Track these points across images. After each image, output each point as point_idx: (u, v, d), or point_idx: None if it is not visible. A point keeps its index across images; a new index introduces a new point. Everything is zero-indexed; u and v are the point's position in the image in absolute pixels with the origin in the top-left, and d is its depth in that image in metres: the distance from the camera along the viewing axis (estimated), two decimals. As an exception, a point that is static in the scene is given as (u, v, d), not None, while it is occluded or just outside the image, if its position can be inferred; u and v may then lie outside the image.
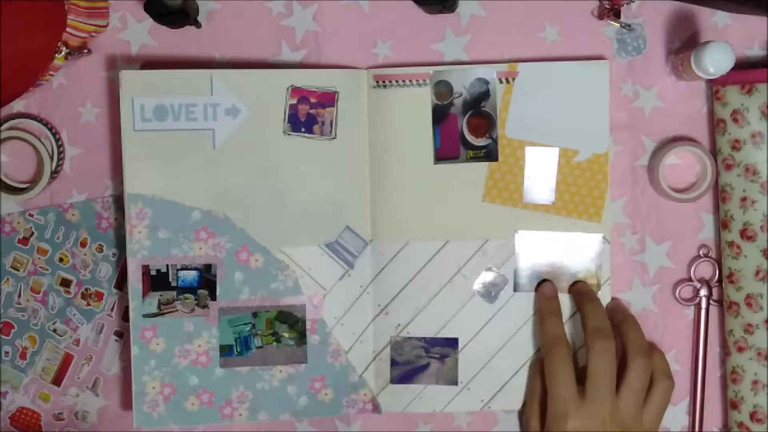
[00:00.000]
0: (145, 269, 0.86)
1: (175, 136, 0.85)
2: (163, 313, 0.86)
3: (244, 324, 0.86)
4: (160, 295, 0.86)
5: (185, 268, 0.86)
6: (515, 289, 0.87)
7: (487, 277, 0.86)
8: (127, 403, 0.88)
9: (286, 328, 0.86)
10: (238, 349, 0.86)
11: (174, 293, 0.86)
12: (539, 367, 0.85)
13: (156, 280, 0.86)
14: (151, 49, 0.88)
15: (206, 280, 0.86)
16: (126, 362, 0.87)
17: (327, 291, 0.87)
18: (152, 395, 0.86)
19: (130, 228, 0.85)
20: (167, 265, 0.86)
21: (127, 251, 0.85)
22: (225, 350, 0.86)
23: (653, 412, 0.82)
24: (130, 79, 0.85)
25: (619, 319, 0.84)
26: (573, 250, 0.86)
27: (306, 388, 0.87)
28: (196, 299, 0.86)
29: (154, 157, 0.85)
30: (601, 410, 0.79)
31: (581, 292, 0.85)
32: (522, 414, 0.88)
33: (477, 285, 0.87)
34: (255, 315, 0.86)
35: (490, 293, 0.86)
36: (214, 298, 0.86)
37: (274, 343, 0.86)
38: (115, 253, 0.88)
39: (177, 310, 0.86)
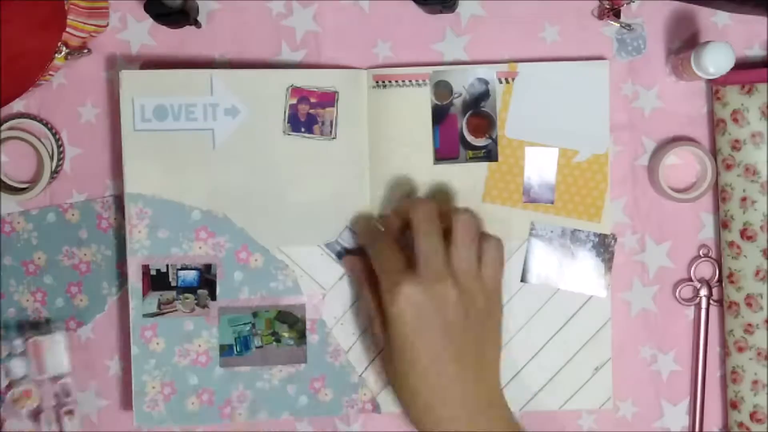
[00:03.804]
0: (145, 269, 0.86)
1: (174, 136, 0.85)
2: (163, 313, 0.86)
3: (244, 324, 0.86)
4: (160, 295, 0.86)
5: (185, 267, 0.86)
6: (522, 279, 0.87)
7: None
8: (127, 403, 0.88)
9: (285, 327, 0.86)
10: (238, 349, 0.86)
11: (174, 293, 0.86)
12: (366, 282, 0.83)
13: (156, 280, 0.86)
14: (151, 49, 0.88)
15: (206, 279, 0.86)
16: (126, 362, 0.87)
17: (327, 291, 0.87)
18: (152, 395, 0.86)
19: (130, 228, 0.85)
20: (167, 265, 0.86)
21: (128, 251, 0.85)
22: (225, 350, 0.86)
23: (490, 268, 0.79)
24: (130, 79, 0.85)
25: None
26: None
27: (306, 388, 0.87)
28: (196, 299, 0.86)
29: (154, 157, 0.85)
30: (435, 271, 0.76)
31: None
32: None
33: None
34: (255, 315, 0.86)
35: None
36: (214, 297, 0.86)
37: (274, 342, 0.86)
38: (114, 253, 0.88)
39: (177, 310, 0.86)
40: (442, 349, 0.76)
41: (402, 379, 0.78)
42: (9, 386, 0.87)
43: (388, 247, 0.81)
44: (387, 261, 0.80)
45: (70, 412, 0.87)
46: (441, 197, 0.86)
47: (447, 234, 0.79)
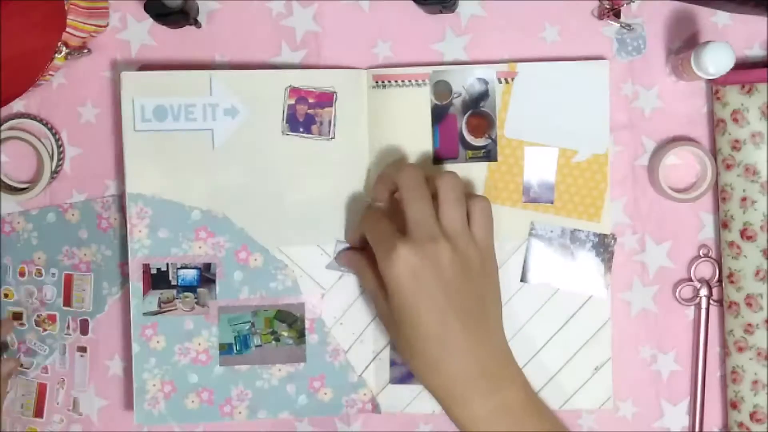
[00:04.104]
0: (146, 268, 0.86)
1: (174, 137, 0.86)
2: (164, 311, 0.86)
3: (244, 323, 0.86)
4: (161, 294, 0.86)
5: (185, 267, 0.86)
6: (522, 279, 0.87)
7: None
8: (127, 403, 0.88)
9: (285, 327, 0.87)
10: (238, 348, 0.86)
11: (174, 292, 0.86)
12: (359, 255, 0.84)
13: (156, 279, 0.86)
14: (151, 49, 0.88)
15: (206, 278, 0.86)
16: (126, 362, 0.88)
17: (326, 290, 0.87)
18: (153, 393, 0.86)
19: (131, 227, 0.86)
20: (167, 264, 0.86)
21: (129, 250, 0.86)
22: (224, 348, 0.86)
23: (481, 228, 0.79)
24: (131, 80, 0.85)
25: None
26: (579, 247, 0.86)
27: (305, 388, 0.87)
28: (195, 298, 0.86)
29: (154, 158, 0.85)
30: (427, 232, 0.77)
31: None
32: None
33: None
34: (254, 314, 0.86)
35: None
36: (213, 296, 0.86)
37: (273, 342, 0.87)
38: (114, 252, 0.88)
39: (177, 309, 0.86)
40: (444, 308, 0.76)
41: (410, 343, 0.78)
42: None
43: (379, 217, 0.81)
44: (379, 230, 0.80)
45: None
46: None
47: (435, 197, 0.79)
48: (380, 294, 0.80)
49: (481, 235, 0.80)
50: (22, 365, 0.88)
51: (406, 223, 0.78)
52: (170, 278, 0.86)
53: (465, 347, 0.77)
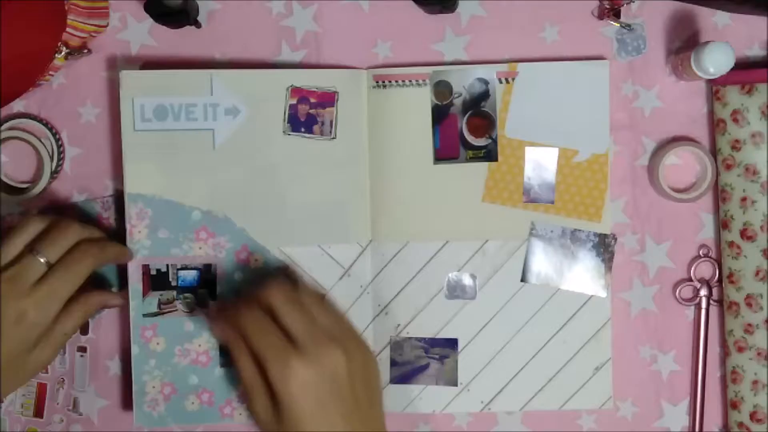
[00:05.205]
0: (145, 269, 0.86)
1: (175, 136, 0.85)
2: (163, 313, 0.86)
3: (244, 324, 0.86)
4: (161, 295, 0.86)
5: (185, 267, 0.86)
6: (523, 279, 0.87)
7: (452, 278, 0.87)
8: (127, 403, 0.88)
9: (285, 327, 0.86)
10: (238, 349, 0.86)
11: (174, 293, 0.86)
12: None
13: (156, 280, 0.86)
14: (151, 49, 0.88)
15: (206, 279, 0.86)
16: (126, 362, 0.87)
17: (326, 291, 0.87)
18: (152, 394, 0.86)
19: (131, 228, 0.85)
20: (167, 265, 0.86)
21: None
22: (225, 350, 0.86)
23: (340, 321, 0.78)
24: (131, 80, 0.85)
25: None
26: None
27: (306, 388, 0.87)
28: (196, 299, 0.86)
29: (155, 157, 0.85)
30: (317, 340, 0.74)
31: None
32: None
33: (444, 285, 0.87)
34: (255, 315, 0.86)
35: (454, 292, 0.87)
36: (214, 297, 0.86)
37: (274, 343, 0.86)
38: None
39: (177, 310, 0.86)
40: (335, 420, 0.74)
41: None
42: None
43: (265, 322, 0.76)
44: (266, 335, 0.75)
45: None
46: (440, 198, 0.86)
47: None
48: (262, 394, 0.75)
49: (346, 326, 0.78)
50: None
51: (292, 334, 0.75)
52: (170, 279, 0.86)
53: None
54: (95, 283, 0.86)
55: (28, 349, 0.78)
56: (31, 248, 0.79)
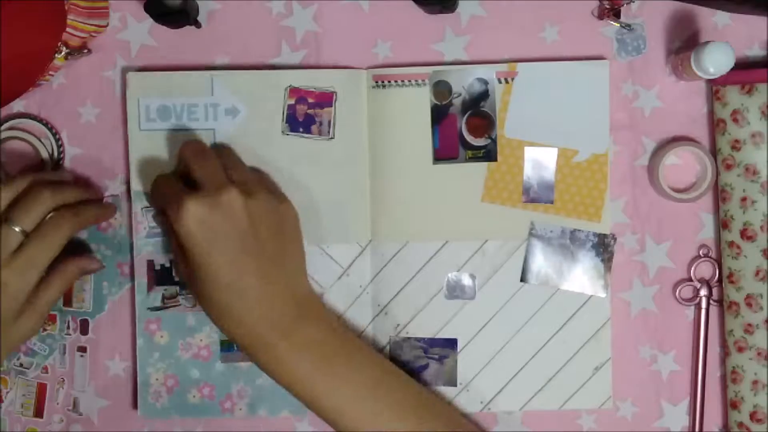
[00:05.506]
0: (150, 264, 0.87)
1: (177, 136, 0.86)
2: (167, 307, 0.87)
3: (244, 323, 0.87)
4: (165, 290, 0.87)
5: (188, 265, 0.87)
6: (522, 279, 0.87)
7: (452, 278, 0.87)
8: (127, 402, 0.88)
9: (285, 327, 0.87)
10: (238, 346, 0.87)
11: (177, 288, 0.87)
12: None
13: (160, 275, 0.87)
14: (151, 49, 0.88)
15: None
16: (127, 362, 0.88)
17: (326, 290, 0.87)
18: (156, 386, 0.87)
19: (136, 224, 0.87)
20: (171, 261, 0.87)
21: (134, 247, 0.87)
22: (225, 345, 0.87)
23: (249, 173, 0.83)
24: (136, 80, 0.86)
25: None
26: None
27: (305, 388, 0.87)
28: (197, 296, 0.87)
29: (158, 157, 0.86)
30: (217, 184, 0.77)
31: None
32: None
33: (443, 285, 0.87)
34: (254, 314, 0.87)
35: (453, 292, 0.87)
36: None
37: (273, 342, 0.87)
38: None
39: (180, 305, 0.87)
40: (237, 254, 0.76)
41: (208, 295, 0.78)
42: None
43: (167, 178, 0.82)
44: (165, 187, 0.80)
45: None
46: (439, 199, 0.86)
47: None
48: (179, 254, 0.79)
49: (259, 179, 0.82)
50: (21, 365, 0.87)
51: (197, 182, 0.78)
52: (174, 275, 0.87)
53: (262, 293, 0.77)
54: (75, 249, 0.86)
55: (14, 318, 0.79)
56: (6, 218, 0.79)
